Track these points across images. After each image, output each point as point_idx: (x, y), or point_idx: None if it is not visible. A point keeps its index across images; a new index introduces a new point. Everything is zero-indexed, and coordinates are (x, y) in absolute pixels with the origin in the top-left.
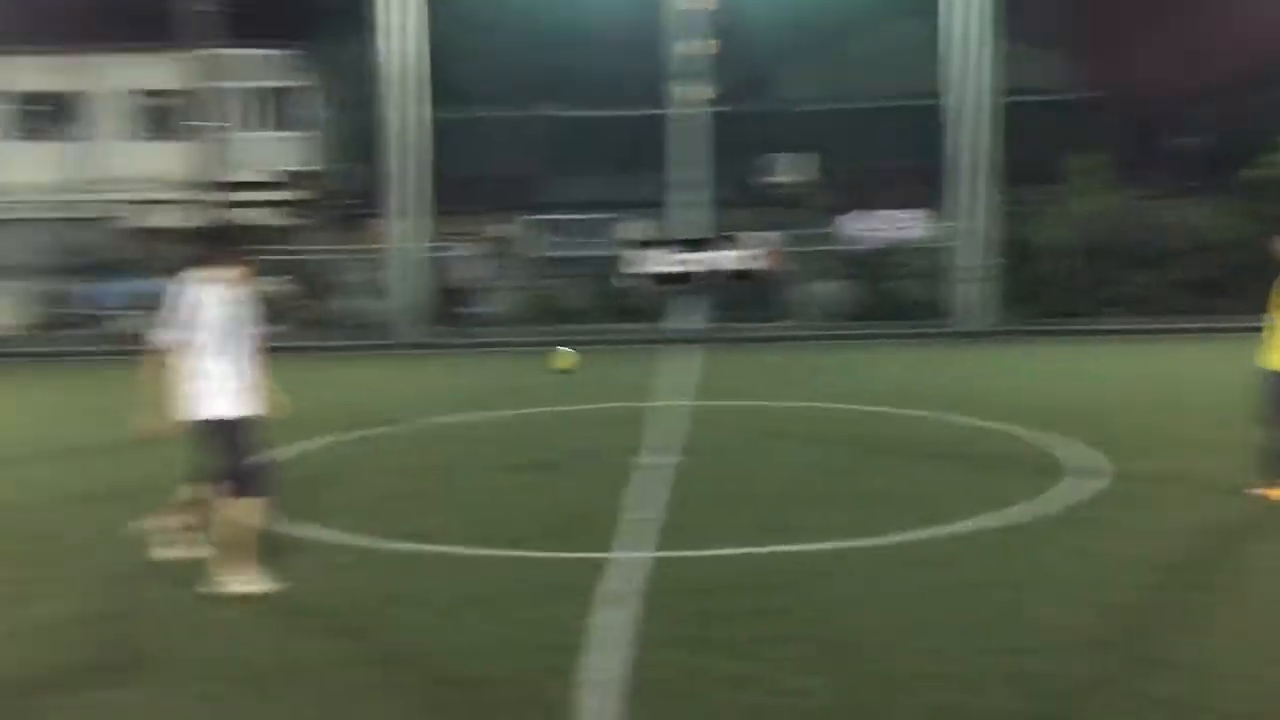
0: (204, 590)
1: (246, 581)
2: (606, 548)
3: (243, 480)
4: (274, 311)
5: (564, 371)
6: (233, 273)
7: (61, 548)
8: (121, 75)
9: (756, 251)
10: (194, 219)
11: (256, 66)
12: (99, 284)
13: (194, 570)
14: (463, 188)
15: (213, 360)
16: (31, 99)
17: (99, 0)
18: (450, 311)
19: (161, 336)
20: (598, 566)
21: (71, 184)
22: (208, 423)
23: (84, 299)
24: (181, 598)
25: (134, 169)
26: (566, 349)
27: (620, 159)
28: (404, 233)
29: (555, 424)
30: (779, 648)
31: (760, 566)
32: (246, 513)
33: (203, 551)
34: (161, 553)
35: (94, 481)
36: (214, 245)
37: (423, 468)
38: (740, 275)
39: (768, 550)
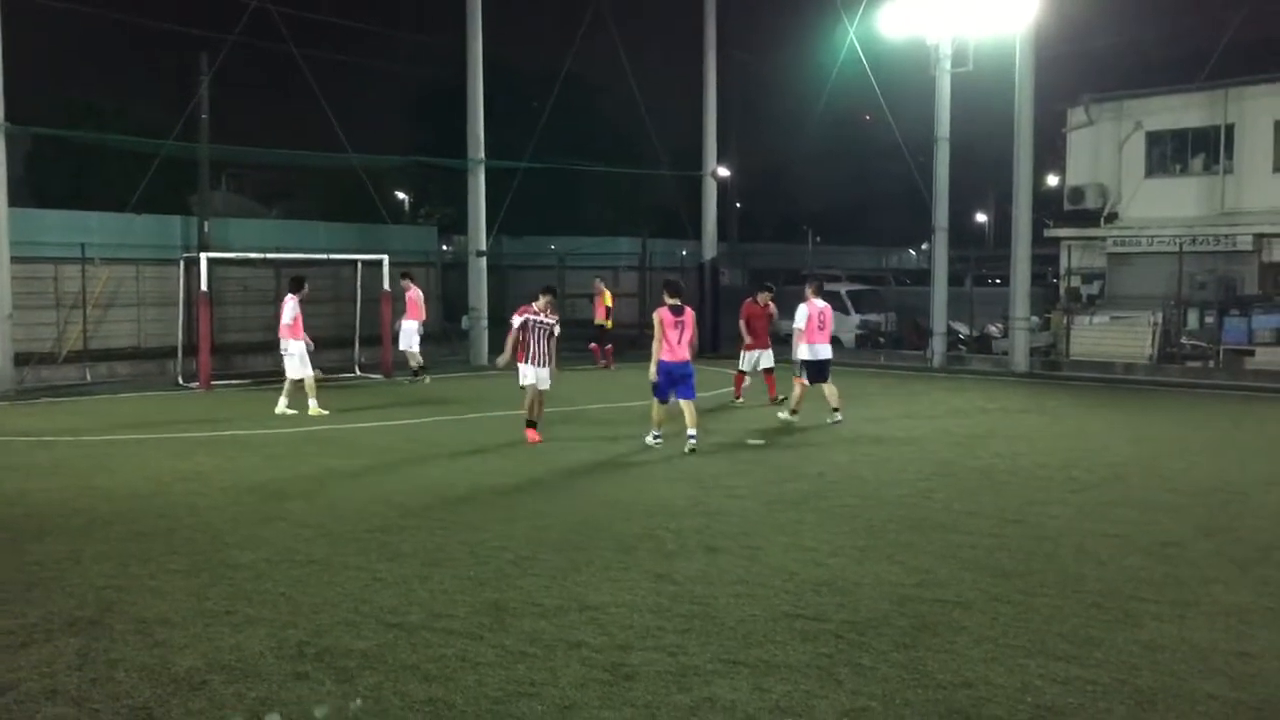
0: None
1: None
2: None
3: None
4: None
5: None
6: None
7: None
8: (1263, 106)
9: None
10: None
11: None
12: (1228, 316)
13: None
14: None
15: None
16: (1173, 136)
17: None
18: None
19: None
20: None
21: (1209, 218)
22: None
23: (1209, 331)
24: None
25: (1271, 202)
26: None
27: None
28: None
29: None
30: None
31: None
32: None
33: None
34: None
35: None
36: None
37: None
38: None
39: None
